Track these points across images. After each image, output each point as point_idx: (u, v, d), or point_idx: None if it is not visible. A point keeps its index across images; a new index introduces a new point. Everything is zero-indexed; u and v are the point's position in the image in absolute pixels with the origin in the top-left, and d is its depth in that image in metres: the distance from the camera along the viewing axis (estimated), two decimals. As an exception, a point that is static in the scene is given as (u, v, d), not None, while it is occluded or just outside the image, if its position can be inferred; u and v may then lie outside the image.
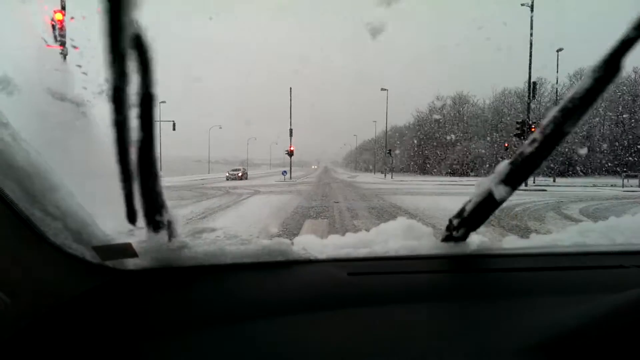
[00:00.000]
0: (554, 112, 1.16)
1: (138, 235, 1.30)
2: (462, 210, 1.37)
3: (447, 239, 1.45)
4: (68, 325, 0.98)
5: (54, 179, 1.02)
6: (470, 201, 1.35)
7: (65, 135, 1.19)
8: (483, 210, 1.33)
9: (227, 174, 49.49)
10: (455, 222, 1.40)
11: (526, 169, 1.25)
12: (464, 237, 1.43)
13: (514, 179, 1.25)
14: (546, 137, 1.17)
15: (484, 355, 0.84)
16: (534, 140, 1.19)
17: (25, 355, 0.88)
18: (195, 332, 0.96)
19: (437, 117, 77.27)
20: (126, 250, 1.17)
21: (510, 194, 1.26)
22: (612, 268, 1.37)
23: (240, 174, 48.86)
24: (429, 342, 0.92)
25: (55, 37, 1.28)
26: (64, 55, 1.31)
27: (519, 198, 19.68)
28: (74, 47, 1.26)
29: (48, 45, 1.08)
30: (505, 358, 0.82)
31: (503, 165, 1.26)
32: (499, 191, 1.25)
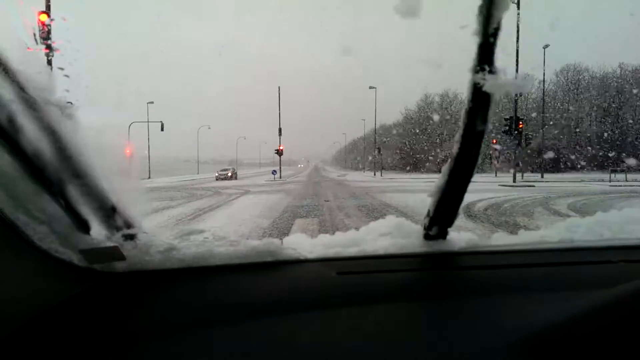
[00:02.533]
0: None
1: (125, 238, 1.29)
2: (429, 210, 1.41)
3: (426, 237, 1.47)
4: (56, 329, 0.97)
5: (39, 183, 1.01)
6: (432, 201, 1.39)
7: (49, 138, 1.18)
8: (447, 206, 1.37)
9: (217, 174, 49.37)
10: (425, 221, 1.43)
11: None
12: (442, 235, 1.45)
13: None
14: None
15: (472, 353, 0.84)
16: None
17: None
18: (184, 334, 0.95)
19: (425, 114, 77.61)
20: (113, 253, 1.17)
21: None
22: (599, 263, 1.38)
23: (229, 174, 48.74)
24: (419, 340, 0.92)
25: (36, 39, 1.26)
26: (49, 58, 1.29)
27: (508, 194, 19.83)
28: (55, 49, 1.24)
29: (30, 48, 1.06)
30: (494, 355, 0.82)
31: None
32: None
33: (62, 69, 1.20)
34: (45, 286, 1.05)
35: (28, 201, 0.97)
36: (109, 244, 1.17)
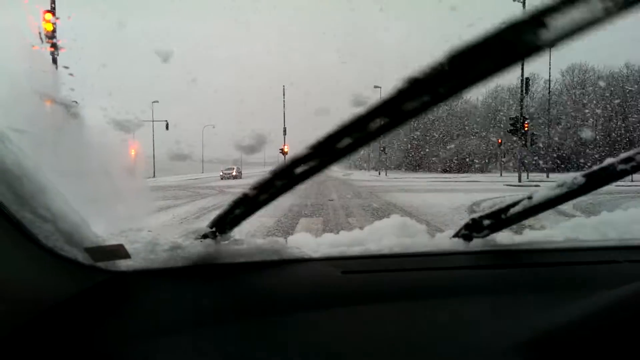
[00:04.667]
0: None
1: (130, 236, 1.29)
2: (499, 211, 1.41)
3: (464, 237, 1.47)
4: (61, 327, 0.97)
5: (44, 181, 1.01)
6: (514, 204, 1.38)
7: (54, 136, 1.18)
8: (523, 214, 1.37)
9: (221, 173, 49.40)
10: (485, 222, 1.43)
11: (600, 183, 1.29)
12: (482, 237, 1.45)
13: (583, 190, 1.30)
14: None
15: (476, 352, 0.84)
16: (629, 159, 1.22)
17: (19, 359, 0.87)
18: (189, 332, 0.95)
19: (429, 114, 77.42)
20: (118, 252, 1.17)
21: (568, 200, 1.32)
22: (605, 263, 1.37)
23: (234, 173, 48.78)
24: (423, 340, 0.92)
25: (41, 38, 1.26)
26: (54, 56, 1.30)
27: (513, 194, 19.69)
28: (60, 47, 1.24)
29: (35, 47, 1.07)
30: (498, 355, 0.82)
31: (575, 177, 1.31)
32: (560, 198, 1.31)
33: (67, 67, 1.21)
34: (50, 284, 1.05)
35: (33, 199, 0.97)
36: (114, 242, 1.17)
